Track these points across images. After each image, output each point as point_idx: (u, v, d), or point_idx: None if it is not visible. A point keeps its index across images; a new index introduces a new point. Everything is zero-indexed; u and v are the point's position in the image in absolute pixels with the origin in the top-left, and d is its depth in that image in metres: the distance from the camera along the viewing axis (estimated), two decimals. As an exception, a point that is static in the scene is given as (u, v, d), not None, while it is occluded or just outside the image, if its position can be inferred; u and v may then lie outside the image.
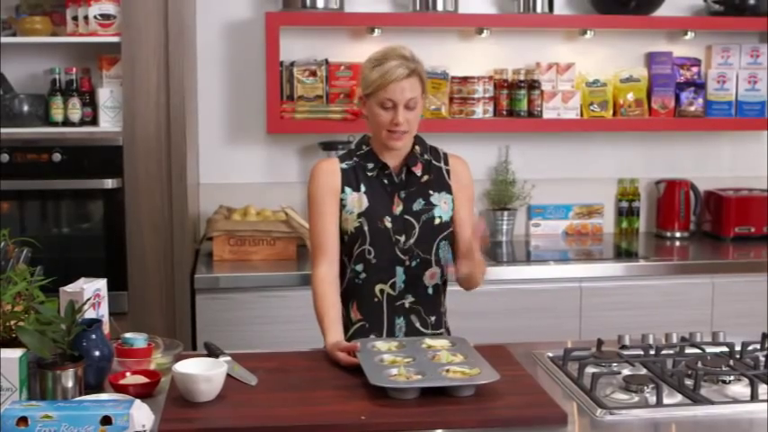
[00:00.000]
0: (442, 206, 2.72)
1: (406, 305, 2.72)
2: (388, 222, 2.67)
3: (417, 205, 2.70)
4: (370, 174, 2.71)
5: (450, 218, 2.74)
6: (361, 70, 2.72)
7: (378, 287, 2.70)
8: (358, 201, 2.68)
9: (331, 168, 2.72)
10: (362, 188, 2.69)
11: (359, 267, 2.71)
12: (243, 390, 2.27)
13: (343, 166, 2.72)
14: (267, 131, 4.07)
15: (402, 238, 2.68)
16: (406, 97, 2.60)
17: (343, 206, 2.69)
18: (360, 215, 2.67)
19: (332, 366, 2.44)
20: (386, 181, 2.71)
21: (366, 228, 2.67)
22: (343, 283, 2.75)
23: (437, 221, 2.71)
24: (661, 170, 4.55)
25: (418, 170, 2.72)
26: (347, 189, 2.69)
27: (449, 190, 2.75)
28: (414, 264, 2.70)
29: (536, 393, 2.25)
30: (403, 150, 2.71)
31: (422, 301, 2.73)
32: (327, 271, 2.69)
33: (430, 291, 2.74)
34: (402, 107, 2.60)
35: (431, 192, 2.72)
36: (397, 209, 2.69)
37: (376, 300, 2.71)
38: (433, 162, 2.76)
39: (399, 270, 2.69)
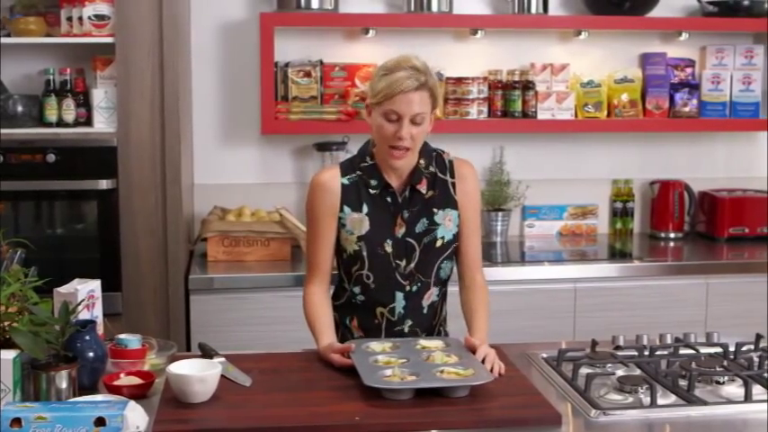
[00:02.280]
0: (446, 224, 2.64)
1: (406, 330, 2.67)
2: (388, 247, 2.60)
3: (421, 226, 2.62)
4: (372, 191, 2.61)
5: (454, 235, 2.66)
6: (371, 77, 2.61)
7: (378, 310, 2.66)
8: (359, 222, 2.60)
9: (330, 187, 2.60)
10: (365, 209, 2.60)
11: (357, 289, 2.66)
12: (237, 391, 2.27)
13: (345, 181, 2.61)
14: (262, 132, 4.07)
15: (402, 263, 2.62)
16: (413, 111, 2.47)
17: (342, 225, 2.62)
18: (360, 238, 2.60)
19: (326, 367, 2.44)
20: (389, 199, 2.61)
21: (365, 253, 2.60)
22: (340, 297, 2.73)
23: (438, 243, 2.63)
24: (655, 171, 4.55)
25: (423, 187, 2.61)
26: (346, 209, 2.60)
27: (454, 205, 2.65)
28: (414, 288, 2.64)
29: (530, 394, 2.26)
30: (407, 165, 2.60)
31: (420, 323, 2.69)
32: (318, 290, 2.66)
33: (425, 311, 2.68)
34: (407, 121, 2.47)
35: (435, 209, 2.63)
36: (400, 231, 2.61)
37: (376, 321, 2.67)
38: (439, 175, 2.65)
39: (399, 295, 2.64)
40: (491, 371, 2.33)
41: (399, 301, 2.64)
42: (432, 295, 2.69)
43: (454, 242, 2.67)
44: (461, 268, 2.73)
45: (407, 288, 2.64)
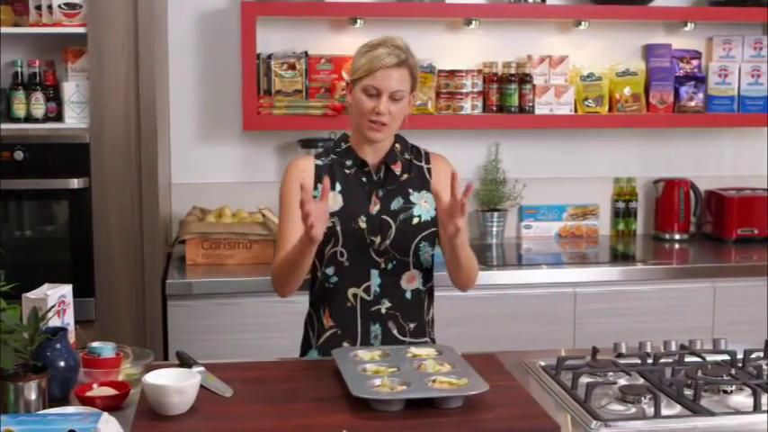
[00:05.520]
0: (422, 205, 2.73)
1: (383, 311, 2.71)
2: (362, 222, 2.68)
3: (396, 204, 2.71)
4: (347, 171, 2.72)
5: (432, 218, 2.73)
6: (353, 56, 2.73)
7: (351, 291, 2.70)
8: (332, 199, 2.67)
9: (303, 166, 2.74)
10: (338, 187, 2.70)
11: (330, 270, 2.71)
12: (217, 402, 2.26)
13: (318, 162, 2.74)
14: (243, 128, 4.07)
15: (377, 239, 2.68)
16: (392, 87, 2.62)
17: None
18: (333, 214, 2.67)
19: (312, 377, 2.43)
20: (364, 179, 2.72)
21: (339, 228, 2.67)
22: (314, 287, 2.78)
23: (416, 221, 2.71)
24: (659, 169, 4.57)
25: (397, 168, 2.73)
26: (320, 186, 2.66)
27: (429, 188, 2.73)
28: (390, 266, 2.70)
29: (527, 405, 2.26)
30: (383, 147, 2.73)
31: (399, 306, 2.73)
32: None
33: (408, 295, 2.74)
34: (386, 96, 2.62)
35: (410, 190, 2.73)
36: (374, 208, 2.70)
37: (349, 305, 2.71)
38: (414, 161, 2.77)
39: (374, 273, 2.70)
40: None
41: (375, 279, 2.70)
42: (414, 280, 2.74)
43: (432, 225, 2.73)
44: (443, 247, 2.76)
45: (382, 265, 2.70)
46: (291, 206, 2.69)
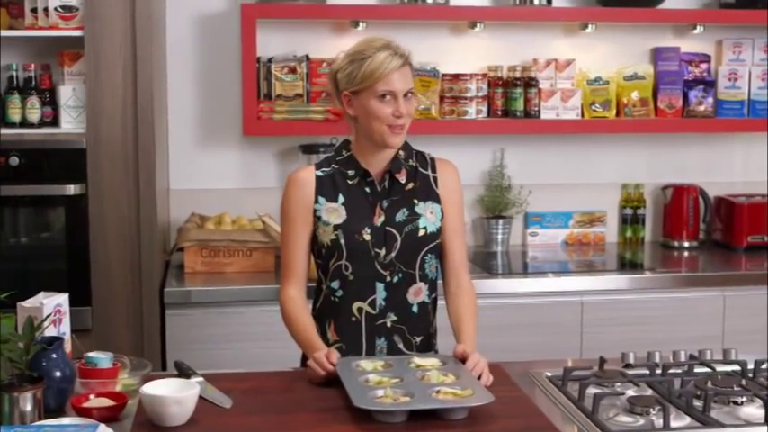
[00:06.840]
0: (427, 216, 2.71)
1: (388, 324, 2.71)
2: (366, 235, 2.66)
3: (401, 216, 2.69)
4: (350, 182, 2.70)
5: (438, 229, 2.73)
6: (336, 68, 2.69)
7: (356, 306, 2.69)
8: (335, 212, 2.68)
9: (304, 179, 2.72)
10: (341, 198, 2.69)
11: (335, 284, 2.70)
12: (216, 413, 2.26)
13: (319, 173, 2.72)
14: (243, 133, 4.07)
15: (382, 252, 2.67)
16: (407, 87, 2.63)
17: (318, 218, 2.69)
18: (336, 227, 2.67)
19: (313, 387, 2.44)
20: (367, 189, 2.70)
21: (343, 241, 2.66)
22: (318, 300, 2.78)
23: (421, 233, 2.70)
24: (668, 175, 4.56)
25: (402, 177, 2.72)
26: (321, 199, 2.69)
27: (436, 199, 2.74)
28: (395, 279, 2.69)
29: (533, 416, 2.26)
30: (387, 154, 2.71)
31: (406, 319, 2.72)
32: (297, 294, 2.73)
33: (415, 308, 2.73)
34: (401, 98, 2.62)
35: (416, 201, 2.72)
36: (379, 220, 2.68)
37: (354, 319, 2.70)
38: (420, 169, 2.75)
39: (380, 286, 2.69)
40: (478, 378, 2.40)
41: (380, 292, 2.69)
42: (421, 293, 2.73)
43: (438, 237, 2.74)
44: (446, 271, 2.80)
45: (388, 278, 2.69)
46: (294, 222, 2.72)
